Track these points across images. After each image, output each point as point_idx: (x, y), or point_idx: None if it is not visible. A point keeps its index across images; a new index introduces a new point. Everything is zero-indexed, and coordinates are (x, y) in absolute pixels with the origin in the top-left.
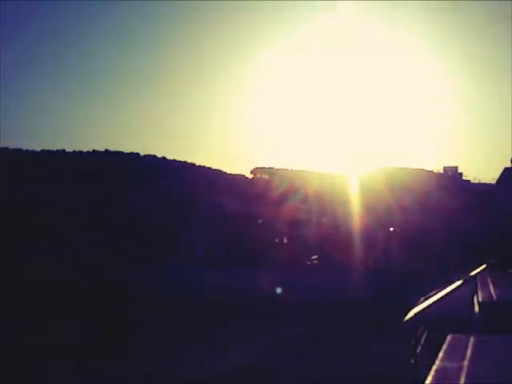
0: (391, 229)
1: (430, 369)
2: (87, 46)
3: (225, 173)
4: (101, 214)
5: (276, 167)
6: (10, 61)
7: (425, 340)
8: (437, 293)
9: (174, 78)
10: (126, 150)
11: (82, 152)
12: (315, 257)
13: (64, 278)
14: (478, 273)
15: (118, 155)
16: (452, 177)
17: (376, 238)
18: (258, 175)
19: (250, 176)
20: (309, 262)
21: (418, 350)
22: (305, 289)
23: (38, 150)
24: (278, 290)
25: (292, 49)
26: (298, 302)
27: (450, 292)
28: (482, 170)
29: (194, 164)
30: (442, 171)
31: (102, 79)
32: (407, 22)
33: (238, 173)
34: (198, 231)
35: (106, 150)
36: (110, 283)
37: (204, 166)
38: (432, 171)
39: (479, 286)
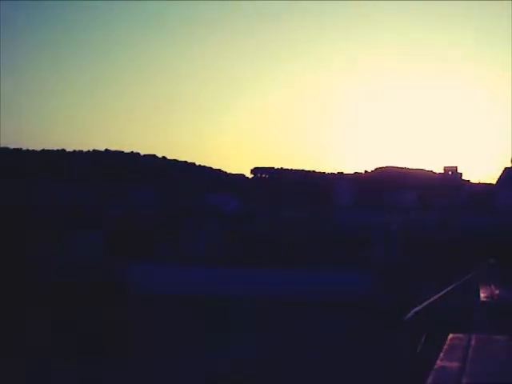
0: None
1: (430, 369)
2: (88, 47)
3: (225, 172)
4: (101, 213)
5: (276, 167)
6: (10, 61)
7: (425, 340)
8: (436, 293)
9: (174, 79)
10: (126, 150)
11: (82, 152)
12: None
13: (63, 277)
14: (479, 272)
15: (118, 155)
16: (452, 177)
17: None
18: (258, 175)
19: (250, 176)
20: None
21: (418, 350)
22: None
23: (38, 149)
24: None
25: (290, 48)
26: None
27: (450, 292)
28: (481, 170)
29: (194, 164)
30: (442, 171)
31: (103, 79)
32: (407, 21)
33: (238, 172)
34: (198, 231)
35: (106, 150)
36: (109, 283)
37: (204, 166)
38: (432, 171)
39: (479, 286)
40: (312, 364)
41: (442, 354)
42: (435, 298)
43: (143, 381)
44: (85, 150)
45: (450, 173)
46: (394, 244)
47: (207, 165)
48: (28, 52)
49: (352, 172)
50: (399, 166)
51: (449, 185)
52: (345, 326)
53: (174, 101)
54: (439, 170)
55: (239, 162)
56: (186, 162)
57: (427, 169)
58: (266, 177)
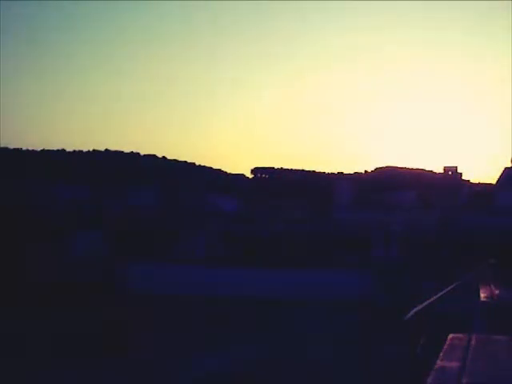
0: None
1: (430, 369)
2: (88, 47)
3: (225, 172)
4: (101, 213)
5: (276, 167)
6: (11, 61)
7: (425, 340)
8: (437, 293)
9: (174, 79)
10: (126, 150)
11: (82, 152)
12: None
13: (63, 277)
14: (479, 272)
15: (118, 155)
16: (452, 177)
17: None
18: (258, 175)
19: (250, 176)
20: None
21: (418, 350)
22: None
23: (38, 149)
24: None
25: (290, 47)
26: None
27: (450, 292)
28: (481, 170)
29: (194, 164)
30: (442, 171)
31: (103, 79)
32: (407, 21)
33: (238, 172)
34: (198, 231)
35: (106, 150)
36: (109, 283)
37: (204, 166)
38: (432, 171)
39: (479, 285)
40: (312, 364)
41: (441, 354)
42: (435, 298)
43: (143, 381)
44: (85, 150)
45: (449, 173)
46: (394, 244)
47: (207, 165)
48: (28, 52)
49: (352, 172)
50: (399, 165)
51: (449, 185)
52: (345, 326)
53: (174, 101)
54: (439, 170)
55: (239, 162)
56: (185, 162)
57: (427, 169)
58: (266, 177)
